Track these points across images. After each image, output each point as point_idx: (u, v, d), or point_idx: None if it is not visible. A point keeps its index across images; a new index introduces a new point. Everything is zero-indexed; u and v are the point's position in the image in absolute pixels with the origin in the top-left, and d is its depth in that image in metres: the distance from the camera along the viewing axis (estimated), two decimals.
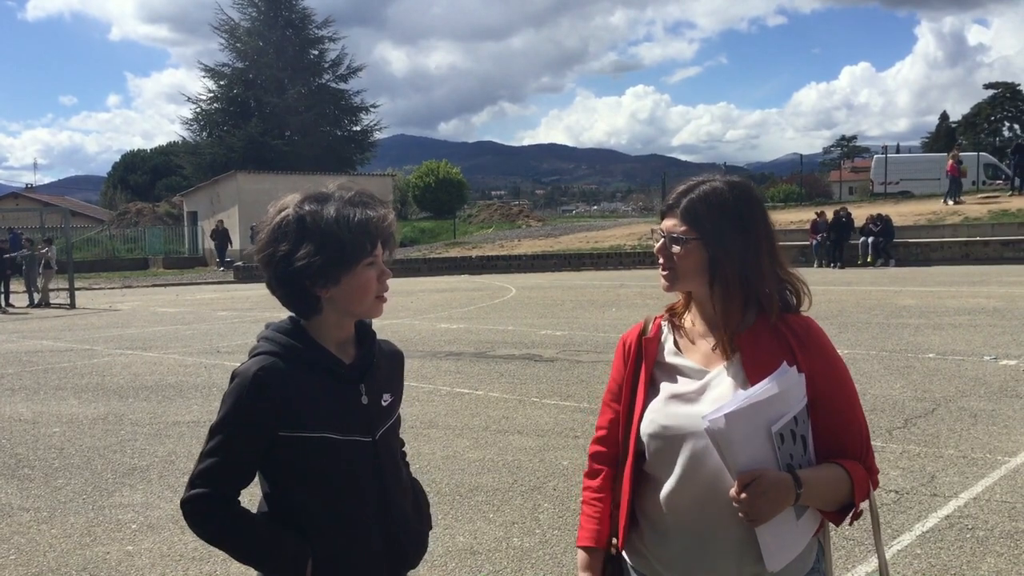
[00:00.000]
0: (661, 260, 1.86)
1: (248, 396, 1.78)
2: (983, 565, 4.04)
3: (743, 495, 1.64)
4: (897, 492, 5.06)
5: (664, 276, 1.87)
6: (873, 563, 1.84)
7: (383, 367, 1.98)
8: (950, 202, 28.66)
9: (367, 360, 1.92)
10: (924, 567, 4.05)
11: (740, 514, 1.66)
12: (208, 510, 1.80)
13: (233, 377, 1.83)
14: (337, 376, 1.86)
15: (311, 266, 1.77)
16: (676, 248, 1.82)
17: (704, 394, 1.80)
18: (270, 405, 1.78)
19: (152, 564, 4.39)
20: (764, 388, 1.67)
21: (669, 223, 1.85)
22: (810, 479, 1.70)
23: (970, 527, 4.49)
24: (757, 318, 1.83)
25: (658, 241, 1.87)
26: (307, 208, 1.80)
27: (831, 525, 1.86)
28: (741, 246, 1.80)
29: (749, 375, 1.76)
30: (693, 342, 1.89)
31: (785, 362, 1.74)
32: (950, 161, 29.36)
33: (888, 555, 4.16)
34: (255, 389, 1.78)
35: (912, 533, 4.44)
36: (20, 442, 7.00)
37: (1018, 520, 4.56)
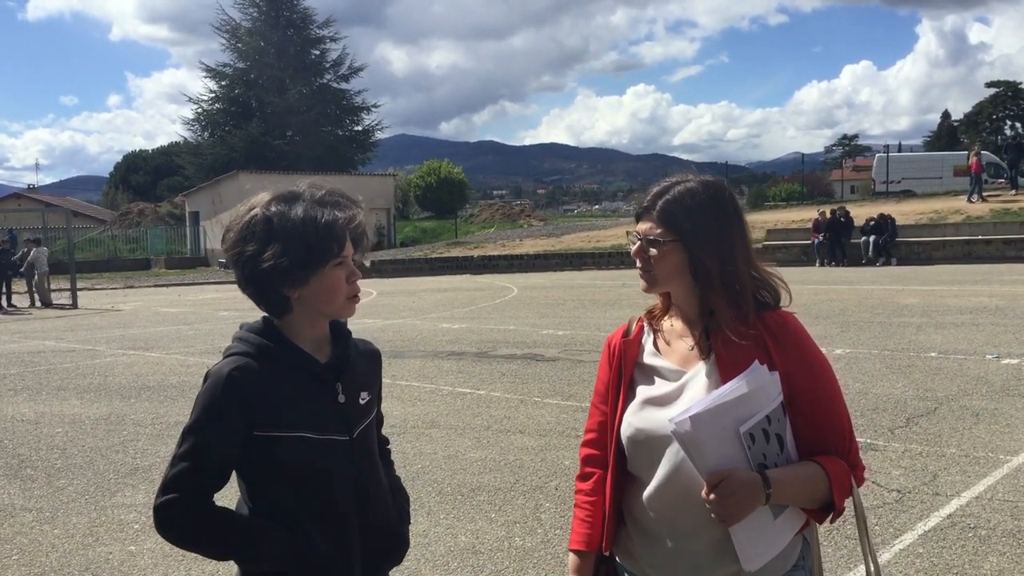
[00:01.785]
0: (638, 263, 1.86)
1: (221, 397, 1.77)
2: (985, 564, 4.03)
3: (712, 496, 1.64)
4: (899, 491, 5.06)
5: (643, 278, 1.87)
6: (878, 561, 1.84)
7: (360, 366, 1.96)
8: (975, 199, 28.44)
9: (343, 359, 1.91)
10: (926, 566, 4.04)
11: (712, 515, 1.66)
12: (181, 515, 1.77)
13: (206, 378, 1.82)
14: (312, 375, 1.85)
15: (277, 267, 1.76)
16: (653, 251, 1.82)
17: (680, 396, 1.80)
18: (243, 405, 1.77)
19: (155, 564, 4.39)
20: (731, 388, 1.67)
21: (645, 226, 1.85)
22: (781, 478, 1.69)
23: (972, 526, 4.48)
24: (734, 316, 1.82)
25: (634, 244, 1.87)
26: (274, 209, 1.79)
27: (829, 522, 1.85)
28: (718, 245, 1.80)
29: (723, 375, 1.75)
30: (671, 343, 1.89)
31: (756, 360, 1.73)
32: (974, 159, 29.15)
33: (890, 554, 4.16)
34: (228, 389, 1.77)
35: (914, 532, 4.44)
36: (23, 442, 7.01)
37: (1020, 519, 4.56)
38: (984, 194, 28.72)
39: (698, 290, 1.82)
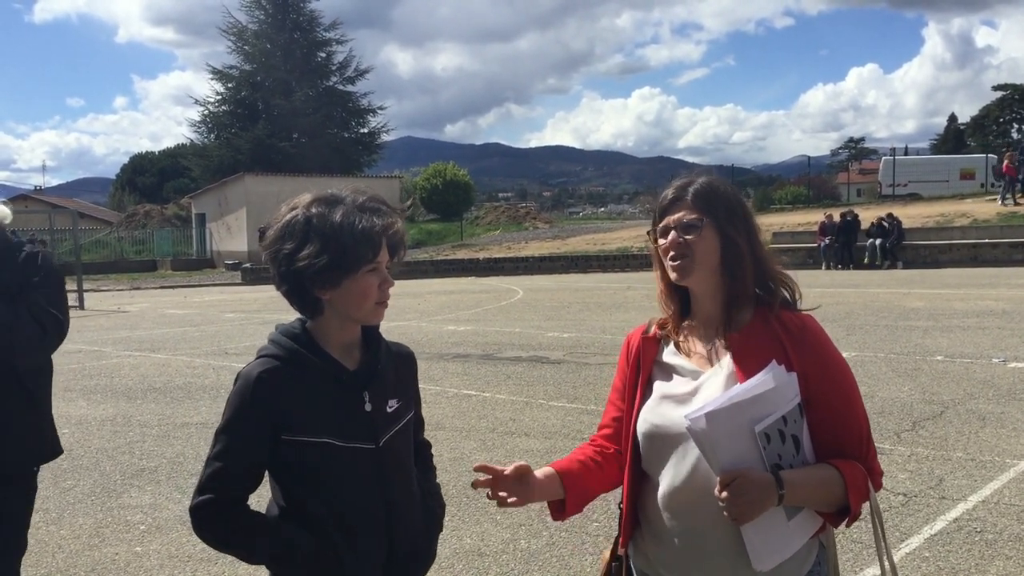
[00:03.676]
0: (672, 252, 1.82)
1: (249, 399, 1.80)
2: (991, 568, 4.02)
3: (724, 494, 1.63)
4: (905, 495, 5.05)
5: (676, 266, 1.82)
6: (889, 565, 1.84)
7: (390, 372, 1.97)
8: (1008, 202, 28.37)
9: (371, 366, 1.93)
10: (932, 570, 4.03)
11: (725, 514, 1.66)
12: (217, 515, 1.81)
13: (236, 380, 1.85)
14: (339, 382, 1.87)
15: (312, 267, 1.79)
16: (690, 235, 1.80)
17: (696, 394, 1.80)
18: (270, 408, 1.80)
19: (160, 565, 4.40)
20: (748, 387, 1.67)
21: (677, 215, 1.83)
22: (794, 480, 1.68)
23: (978, 530, 4.47)
24: (753, 316, 1.82)
25: (667, 235, 1.83)
26: (315, 210, 1.82)
27: (845, 526, 1.84)
28: (747, 234, 1.82)
29: (740, 374, 1.75)
30: (691, 342, 1.89)
31: (774, 360, 1.72)
32: (1006, 162, 29.17)
33: (896, 558, 4.15)
34: (255, 393, 1.80)
35: (920, 536, 4.43)
36: None
37: None
38: (1007, 198, 28.54)
39: (726, 280, 1.81)
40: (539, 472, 1.92)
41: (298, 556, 1.82)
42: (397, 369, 2.01)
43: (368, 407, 1.90)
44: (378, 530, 1.89)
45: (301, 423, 1.82)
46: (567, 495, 1.93)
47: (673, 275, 1.84)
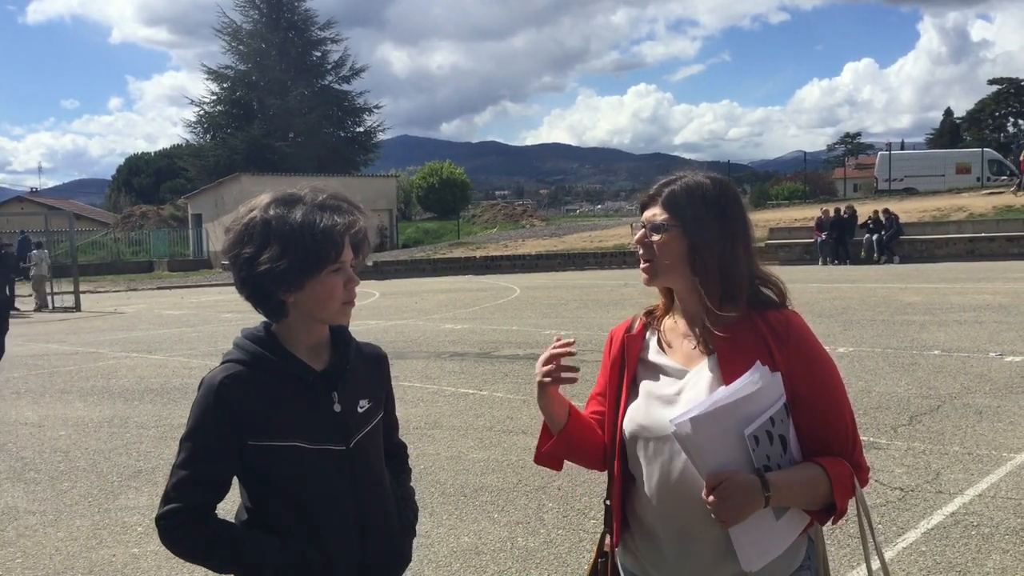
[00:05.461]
0: (641, 251, 1.85)
1: (212, 406, 1.76)
2: (988, 562, 4.03)
3: (711, 498, 1.63)
4: (902, 489, 5.05)
5: (644, 269, 1.85)
6: (878, 561, 1.85)
7: (360, 372, 1.92)
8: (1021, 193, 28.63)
9: (340, 366, 1.88)
10: (929, 564, 4.04)
11: (712, 516, 1.66)
12: (183, 525, 1.76)
13: (200, 385, 1.81)
14: (307, 383, 1.83)
15: (274, 271, 1.73)
16: (655, 236, 1.82)
17: (682, 395, 1.79)
18: (234, 414, 1.75)
19: (158, 567, 4.40)
20: (733, 390, 1.66)
21: (649, 213, 1.85)
22: (780, 481, 1.67)
23: (975, 524, 4.48)
24: (738, 314, 1.81)
25: (637, 232, 1.86)
26: (273, 212, 1.77)
27: (831, 523, 1.84)
28: (720, 237, 1.80)
29: (724, 375, 1.74)
30: (675, 341, 1.88)
31: (758, 361, 1.71)
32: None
33: (893, 552, 4.15)
34: (218, 399, 1.75)
35: (917, 530, 4.43)
36: (26, 445, 7.02)
37: (1023, 516, 4.55)
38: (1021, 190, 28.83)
39: (697, 281, 1.81)
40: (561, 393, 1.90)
41: (267, 564, 1.78)
42: (368, 369, 1.96)
43: (337, 407, 1.85)
44: (349, 533, 1.85)
45: (268, 427, 1.77)
46: (568, 425, 1.91)
47: (642, 277, 1.87)
